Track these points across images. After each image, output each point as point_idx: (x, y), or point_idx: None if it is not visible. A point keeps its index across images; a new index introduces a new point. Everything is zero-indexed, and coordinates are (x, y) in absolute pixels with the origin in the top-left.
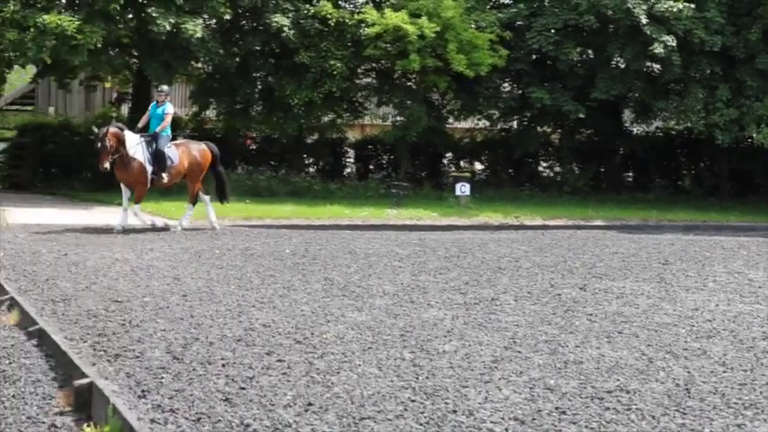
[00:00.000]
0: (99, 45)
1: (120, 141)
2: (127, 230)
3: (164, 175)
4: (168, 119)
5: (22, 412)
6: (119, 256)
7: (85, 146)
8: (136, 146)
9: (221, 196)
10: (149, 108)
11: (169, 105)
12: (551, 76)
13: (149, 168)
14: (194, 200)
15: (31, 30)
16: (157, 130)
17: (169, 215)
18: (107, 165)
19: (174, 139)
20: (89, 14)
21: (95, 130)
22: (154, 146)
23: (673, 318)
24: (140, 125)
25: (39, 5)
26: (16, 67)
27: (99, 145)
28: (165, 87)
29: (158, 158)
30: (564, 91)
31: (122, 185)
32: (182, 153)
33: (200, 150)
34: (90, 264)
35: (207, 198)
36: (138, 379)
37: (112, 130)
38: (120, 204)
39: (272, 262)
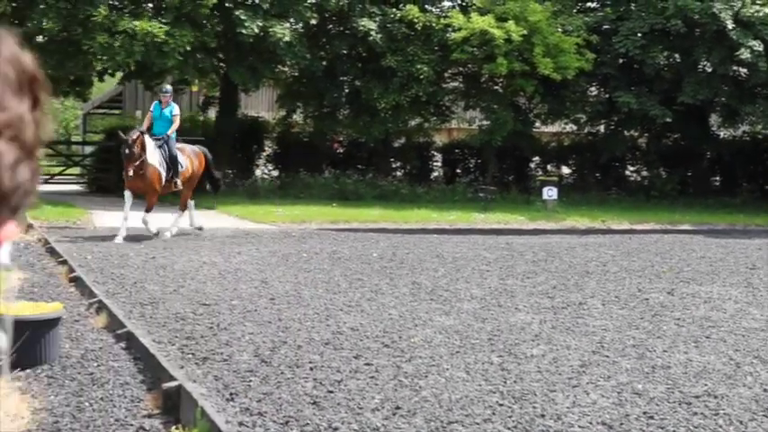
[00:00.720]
0: (188, 49)
1: (143, 147)
2: (127, 239)
3: (177, 180)
4: (178, 120)
5: (110, 415)
6: (206, 260)
7: None
8: (153, 151)
9: (216, 189)
10: (151, 109)
11: (176, 106)
12: (638, 80)
13: (164, 174)
14: (185, 206)
15: (121, 35)
16: (169, 132)
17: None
18: (132, 172)
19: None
20: (176, 18)
21: (122, 135)
22: (166, 150)
23: (760, 322)
24: (143, 128)
25: (127, 10)
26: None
27: (127, 151)
28: (168, 87)
29: (173, 163)
30: (650, 95)
31: (128, 193)
32: (186, 158)
33: (197, 155)
34: (178, 267)
35: (192, 203)
36: (226, 382)
37: (137, 135)
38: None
39: (359, 266)
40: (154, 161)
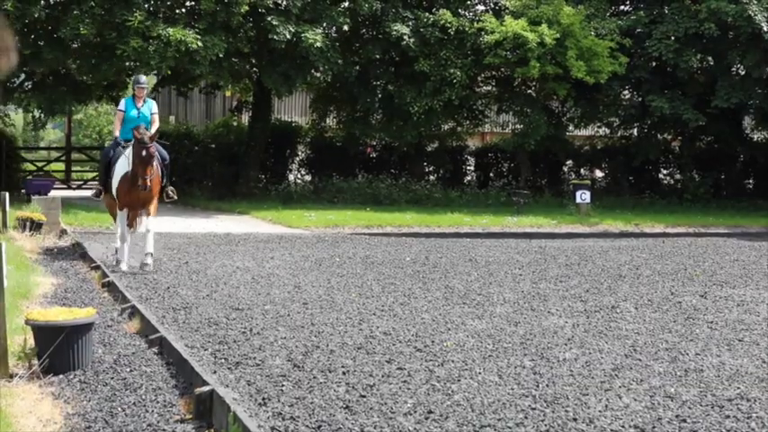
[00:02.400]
0: (220, 56)
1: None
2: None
3: (170, 189)
4: (157, 120)
5: (143, 420)
6: (239, 265)
7: (206, 154)
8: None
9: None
10: (121, 107)
11: (154, 104)
12: (671, 83)
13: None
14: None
15: (155, 40)
16: (152, 135)
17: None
18: (148, 181)
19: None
20: (210, 24)
21: (137, 133)
22: (158, 154)
23: None
24: (117, 132)
25: (161, 16)
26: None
27: (144, 153)
28: (143, 78)
29: (169, 169)
30: (684, 99)
31: (125, 211)
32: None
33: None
34: (210, 272)
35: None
36: (258, 387)
37: (152, 133)
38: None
39: (392, 270)
40: (157, 168)
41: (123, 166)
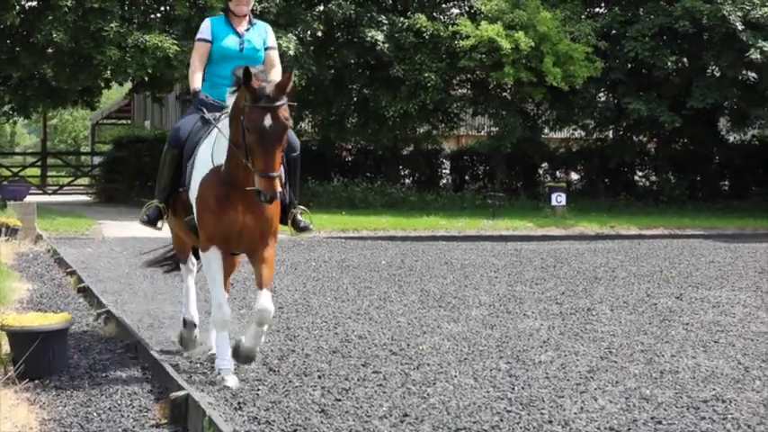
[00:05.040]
0: None
1: None
2: None
3: (301, 209)
4: (278, 61)
5: (118, 424)
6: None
7: None
8: None
9: None
10: (205, 33)
11: (269, 29)
12: (647, 85)
13: None
14: None
15: (132, 49)
16: (282, 80)
17: None
18: None
19: None
20: (186, 31)
21: (255, 85)
22: None
23: None
24: (197, 82)
25: (135, 22)
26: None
27: (272, 123)
28: None
29: (297, 174)
30: (659, 100)
31: (214, 251)
32: None
33: None
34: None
35: None
36: (233, 391)
37: None
38: None
39: (368, 273)
40: None
41: (209, 157)
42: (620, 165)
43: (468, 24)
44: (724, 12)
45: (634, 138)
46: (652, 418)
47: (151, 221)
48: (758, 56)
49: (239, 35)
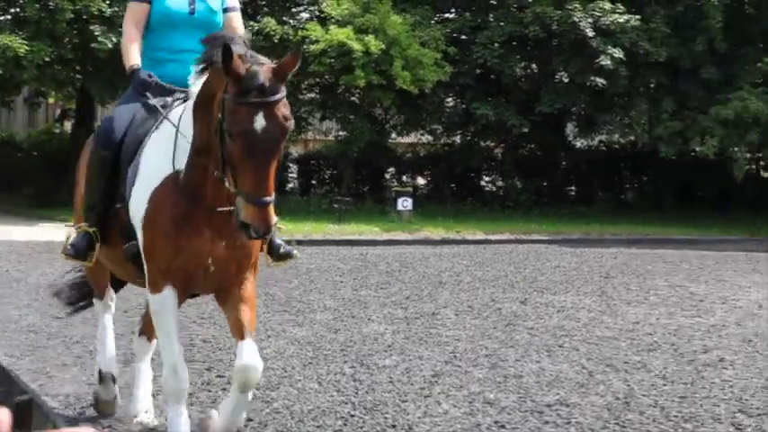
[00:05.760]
0: (46, 60)
1: None
2: None
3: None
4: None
5: None
6: (61, 273)
7: (29, 162)
8: None
9: None
10: None
11: None
12: (496, 90)
13: None
14: None
15: None
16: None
17: None
18: None
19: None
20: (36, 32)
21: (236, 67)
22: None
23: (613, 331)
24: (134, 57)
25: None
26: None
27: (268, 124)
28: None
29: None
30: (508, 105)
31: (168, 290)
32: None
33: None
34: (32, 280)
35: None
36: (78, 395)
37: None
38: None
39: None
40: None
41: (161, 159)
42: (467, 170)
43: (318, 29)
44: (575, 18)
45: (481, 143)
46: (496, 423)
47: (79, 254)
48: (608, 62)
49: None
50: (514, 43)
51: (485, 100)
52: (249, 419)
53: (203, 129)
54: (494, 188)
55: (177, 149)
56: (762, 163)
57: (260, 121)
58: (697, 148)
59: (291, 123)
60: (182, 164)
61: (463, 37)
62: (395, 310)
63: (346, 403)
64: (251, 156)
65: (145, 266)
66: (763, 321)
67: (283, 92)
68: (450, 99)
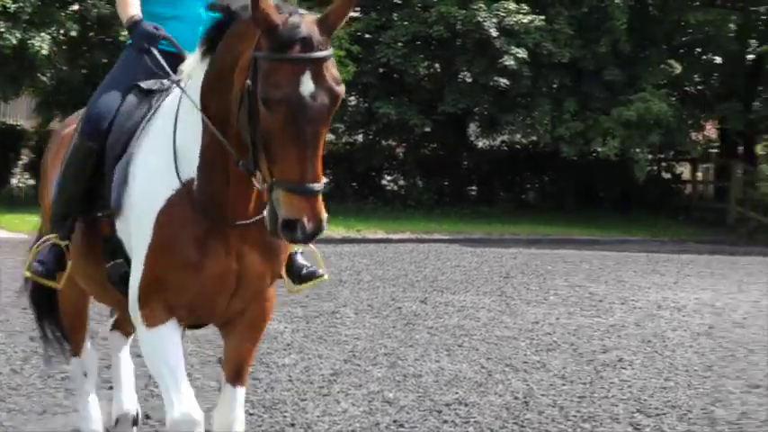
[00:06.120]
0: None
1: None
2: None
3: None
4: None
5: None
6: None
7: None
8: None
9: None
10: None
11: None
12: (398, 89)
13: None
14: None
15: None
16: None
17: None
18: None
19: None
20: None
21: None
22: None
23: (513, 331)
24: (132, 8)
25: None
26: None
27: (316, 90)
28: None
29: None
30: (411, 105)
31: (171, 324)
32: None
33: None
34: None
35: None
36: None
37: None
38: None
39: None
40: None
41: (166, 159)
42: (368, 169)
43: None
44: (479, 18)
45: (383, 142)
46: (394, 422)
47: (47, 273)
48: (512, 62)
49: None
50: (418, 43)
51: (387, 99)
52: (147, 417)
53: (221, 109)
54: (395, 187)
55: (180, 151)
56: (663, 164)
57: (307, 84)
58: (599, 149)
59: (343, 89)
60: (191, 170)
61: (367, 36)
62: (294, 309)
63: (245, 402)
64: (295, 129)
65: (137, 294)
66: (662, 322)
67: (330, 49)
68: (352, 98)
